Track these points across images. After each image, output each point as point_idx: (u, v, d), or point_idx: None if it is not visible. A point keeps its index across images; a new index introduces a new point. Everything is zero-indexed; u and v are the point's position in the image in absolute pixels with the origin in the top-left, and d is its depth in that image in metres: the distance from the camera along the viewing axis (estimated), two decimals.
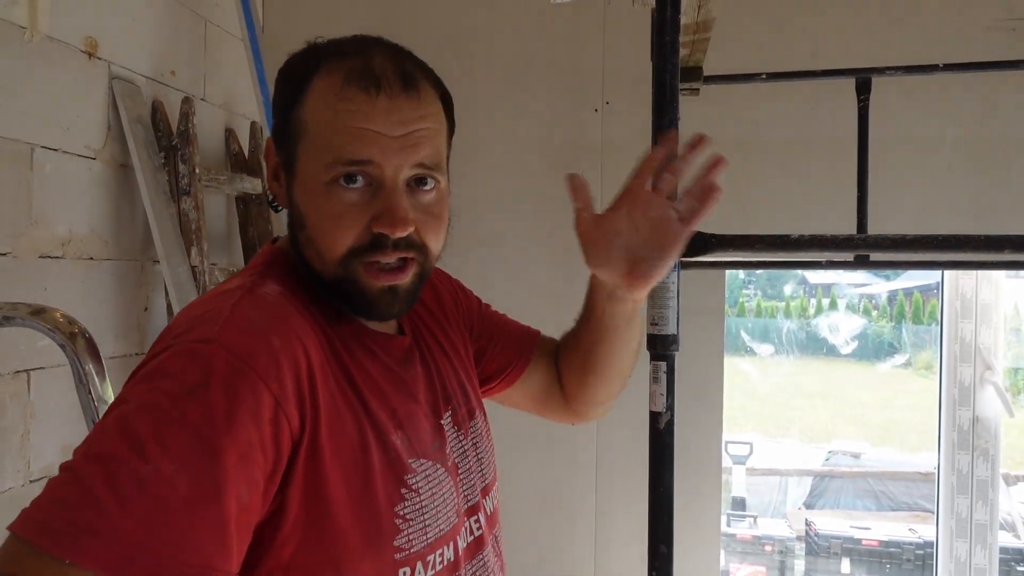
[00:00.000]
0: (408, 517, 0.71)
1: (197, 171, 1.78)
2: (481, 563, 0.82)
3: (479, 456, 0.87)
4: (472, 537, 0.81)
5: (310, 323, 0.71)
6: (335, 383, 0.70)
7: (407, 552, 0.70)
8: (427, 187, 0.74)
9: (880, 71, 1.64)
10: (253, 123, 2.15)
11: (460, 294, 1.02)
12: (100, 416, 0.93)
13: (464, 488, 0.81)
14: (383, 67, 0.72)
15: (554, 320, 2.28)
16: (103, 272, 1.64)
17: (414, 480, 0.73)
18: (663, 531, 0.79)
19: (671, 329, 0.80)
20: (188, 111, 1.78)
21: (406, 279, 0.74)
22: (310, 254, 0.73)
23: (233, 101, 2.13)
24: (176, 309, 1.69)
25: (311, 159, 0.71)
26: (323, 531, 0.66)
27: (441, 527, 0.75)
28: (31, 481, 1.43)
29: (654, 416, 0.80)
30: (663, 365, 0.80)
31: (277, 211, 0.79)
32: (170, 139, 1.78)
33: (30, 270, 1.44)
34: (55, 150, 1.50)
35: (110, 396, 0.91)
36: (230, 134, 2.10)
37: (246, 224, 2.11)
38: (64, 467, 0.56)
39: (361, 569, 0.68)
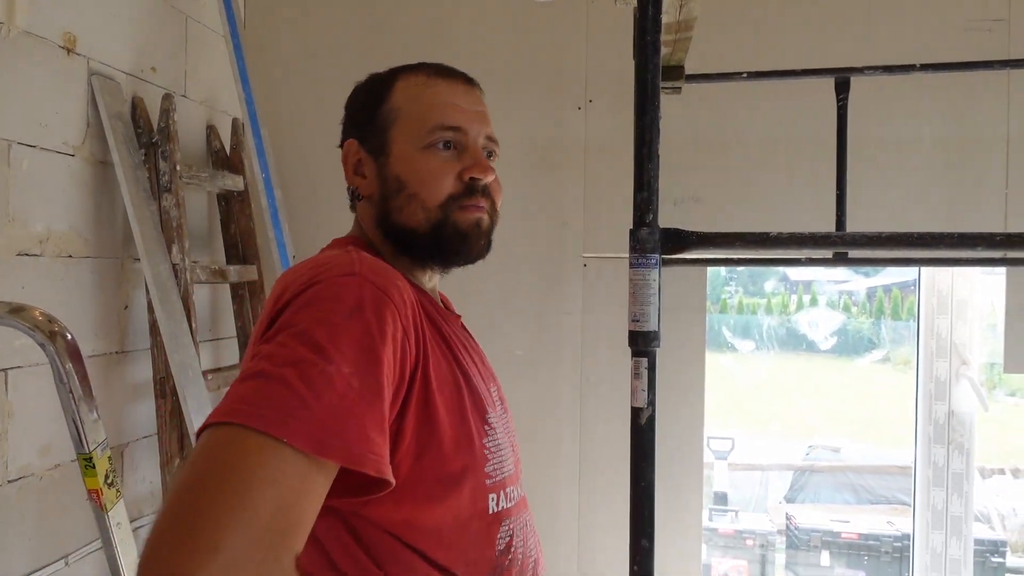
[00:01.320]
0: (492, 449, 0.84)
1: (178, 168, 1.77)
2: (529, 515, 0.93)
3: (510, 438, 0.96)
4: (522, 492, 0.92)
5: (408, 283, 0.82)
6: (431, 332, 0.82)
7: (494, 479, 0.83)
8: (491, 159, 0.93)
9: (859, 71, 1.66)
10: (235, 120, 2.14)
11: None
12: (80, 415, 0.93)
13: (509, 449, 0.92)
14: (452, 70, 0.93)
15: (535, 317, 2.30)
16: (82, 270, 1.62)
17: (492, 419, 0.86)
18: (644, 525, 0.80)
19: (652, 326, 0.81)
20: (168, 107, 1.77)
21: (485, 216, 0.91)
22: (408, 212, 0.88)
23: (215, 98, 2.12)
24: (157, 307, 1.68)
25: (408, 133, 0.88)
26: (432, 454, 0.76)
27: (508, 467, 0.87)
28: (9, 481, 1.42)
29: (635, 412, 0.80)
30: (644, 361, 0.80)
31: (358, 199, 0.95)
32: (150, 136, 1.76)
33: (7, 268, 1.43)
34: (33, 147, 1.48)
35: (91, 395, 0.90)
36: (212, 131, 2.08)
37: (228, 221, 2.10)
38: (250, 374, 0.65)
39: (463, 488, 0.79)
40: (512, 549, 0.85)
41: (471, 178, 0.88)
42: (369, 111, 0.92)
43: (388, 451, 0.69)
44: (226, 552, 0.56)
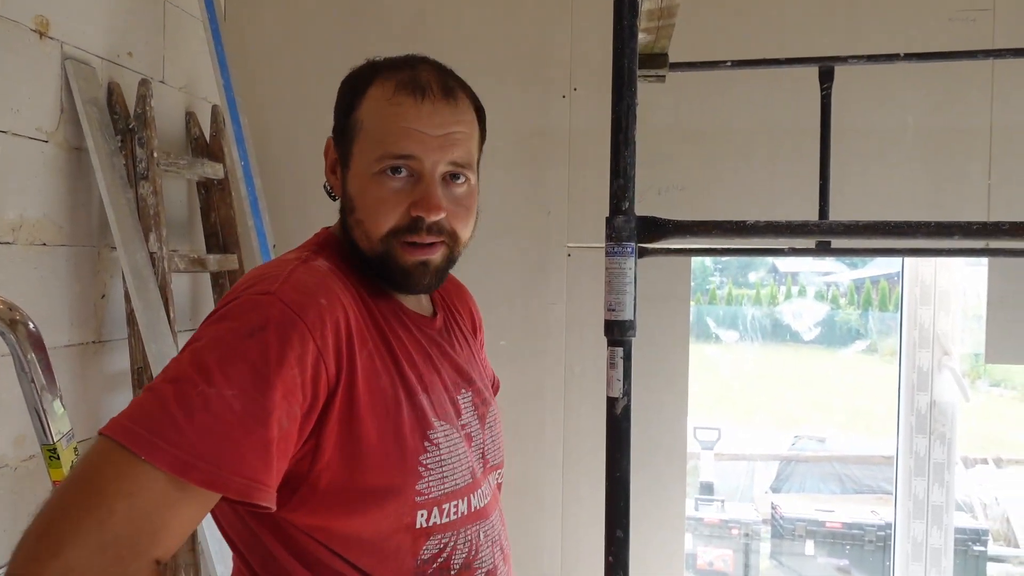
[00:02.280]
0: (430, 467, 0.83)
1: (155, 155, 1.74)
2: (490, 525, 0.92)
3: (493, 437, 0.98)
4: (485, 501, 0.92)
5: (353, 294, 0.83)
6: (373, 345, 0.82)
7: (426, 496, 0.82)
8: (459, 181, 0.88)
9: (843, 60, 1.65)
10: (214, 107, 2.11)
11: (480, 323, 1.17)
12: (44, 405, 0.91)
13: (475, 455, 0.92)
14: (428, 79, 0.87)
15: (520, 307, 2.29)
16: (57, 258, 1.60)
17: (435, 436, 0.84)
18: (619, 516, 0.79)
19: (628, 315, 0.80)
20: (145, 93, 1.74)
21: (436, 256, 0.87)
22: (357, 234, 0.87)
23: (194, 84, 2.08)
24: (134, 296, 1.66)
25: (364, 153, 0.86)
26: (355, 469, 0.77)
27: (457, 482, 0.86)
28: None
29: (611, 401, 0.79)
30: (620, 351, 0.79)
31: (334, 199, 0.95)
32: (127, 122, 1.73)
33: None
34: (4, 132, 1.46)
35: (55, 385, 0.89)
36: (191, 118, 2.05)
37: (208, 210, 2.07)
38: (146, 388, 0.69)
39: (386, 505, 0.79)
40: (447, 560, 0.85)
41: (417, 216, 0.85)
42: (343, 115, 0.90)
43: (271, 472, 0.70)
44: (66, 557, 0.61)
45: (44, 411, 0.89)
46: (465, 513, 0.87)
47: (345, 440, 0.76)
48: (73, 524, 0.62)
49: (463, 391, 0.94)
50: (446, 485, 0.85)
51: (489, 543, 0.91)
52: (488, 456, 0.96)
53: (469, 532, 0.88)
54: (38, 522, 0.64)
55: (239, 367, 0.69)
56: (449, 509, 0.85)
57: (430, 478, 0.83)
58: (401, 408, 0.82)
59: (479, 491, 0.90)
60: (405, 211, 0.85)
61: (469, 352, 1.02)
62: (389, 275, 0.87)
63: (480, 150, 0.95)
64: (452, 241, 0.89)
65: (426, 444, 0.83)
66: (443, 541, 0.85)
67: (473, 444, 0.93)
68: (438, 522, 0.84)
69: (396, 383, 0.83)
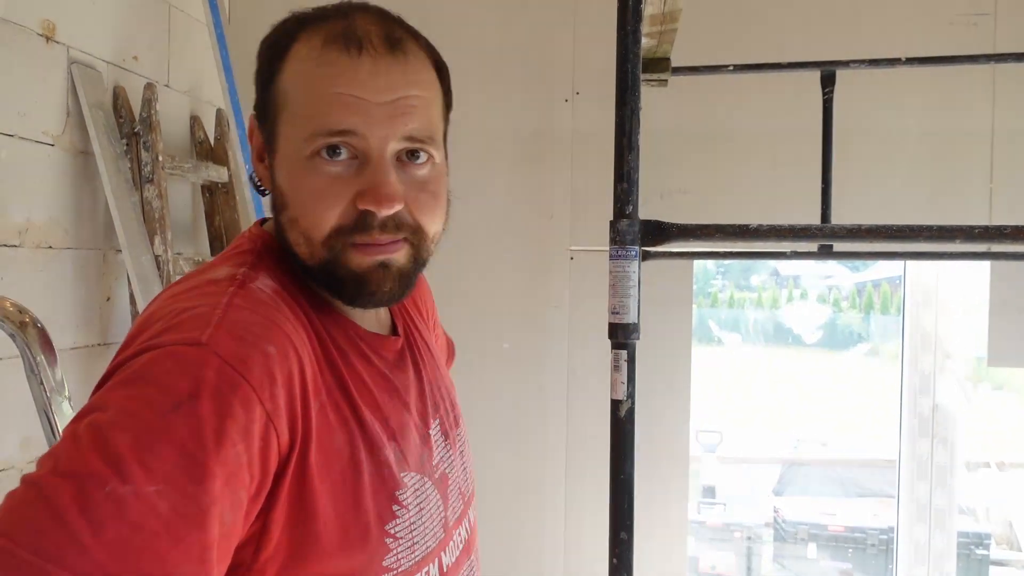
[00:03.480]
0: (398, 535, 0.67)
1: (160, 158, 1.75)
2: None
3: (464, 466, 0.83)
4: (457, 551, 0.77)
5: (304, 326, 0.65)
6: (327, 395, 0.64)
7: (395, 572, 0.66)
8: (419, 161, 0.68)
9: (844, 64, 1.66)
10: (219, 110, 2.12)
11: (432, 303, 0.97)
12: (53, 407, 0.92)
13: (452, 500, 0.77)
14: (366, 29, 0.66)
15: (522, 310, 2.30)
16: (63, 261, 1.61)
17: (404, 496, 0.69)
18: (623, 518, 0.80)
19: (632, 318, 0.80)
20: (151, 97, 1.75)
21: (399, 254, 0.68)
22: (293, 237, 0.67)
23: (198, 88, 2.10)
24: (139, 299, 1.66)
25: (291, 133, 0.66)
26: (308, 555, 0.61)
27: (428, 544, 0.71)
28: None
29: (615, 404, 0.80)
30: (624, 354, 0.80)
31: (264, 195, 0.73)
32: (132, 126, 1.74)
33: None
34: (11, 136, 1.47)
35: (63, 387, 0.90)
36: (195, 121, 2.06)
37: (212, 213, 2.08)
38: (28, 481, 0.49)
39: None
40: None
41: (364, 210, 0.65)
42: (263, 84, 0.70)
43: None
44: None
45: (53, 413, 0.89)
46: (442, 572, 0.73)
47: (296, 520, 0.60)
48: None
49: (432, 422, 0.78)
50: (416, 552, 0.69)
51: None
52: (463, 489, 0.81)
53: None
54: None
55: (163, 453, 0.50)
56: (428, 572, 0.70)
57: (399, 549, 0.67)
58: (361, 471, 0.65)
59: (450, 546, 0.75)
60: (350, 204, 0.65)
61: (432, 361, 0.84)
62: (339, 287, 0.68)
63: (447, 119, 0.75)
64: (417, 238, 0.69)
65: (394, 508, 0.67)
66: None
67: (450, 484, 0.77)
68: None
69: (356, 439, 0.65)
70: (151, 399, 0.52)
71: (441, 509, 0.74)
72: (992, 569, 3.64)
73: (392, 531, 0.66)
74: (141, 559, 0.48)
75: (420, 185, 0.68)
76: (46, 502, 0.48)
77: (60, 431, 0.90)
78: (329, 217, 0.65)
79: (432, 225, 0.70)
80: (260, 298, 0.63)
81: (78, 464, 0.49)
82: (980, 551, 3.54)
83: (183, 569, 0.50)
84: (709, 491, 4.46)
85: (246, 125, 0.75)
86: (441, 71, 0.73)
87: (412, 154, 0.67)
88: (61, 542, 0.46)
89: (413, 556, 0.68)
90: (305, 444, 0.60)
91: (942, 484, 2.28)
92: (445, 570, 0.73)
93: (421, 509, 0.70)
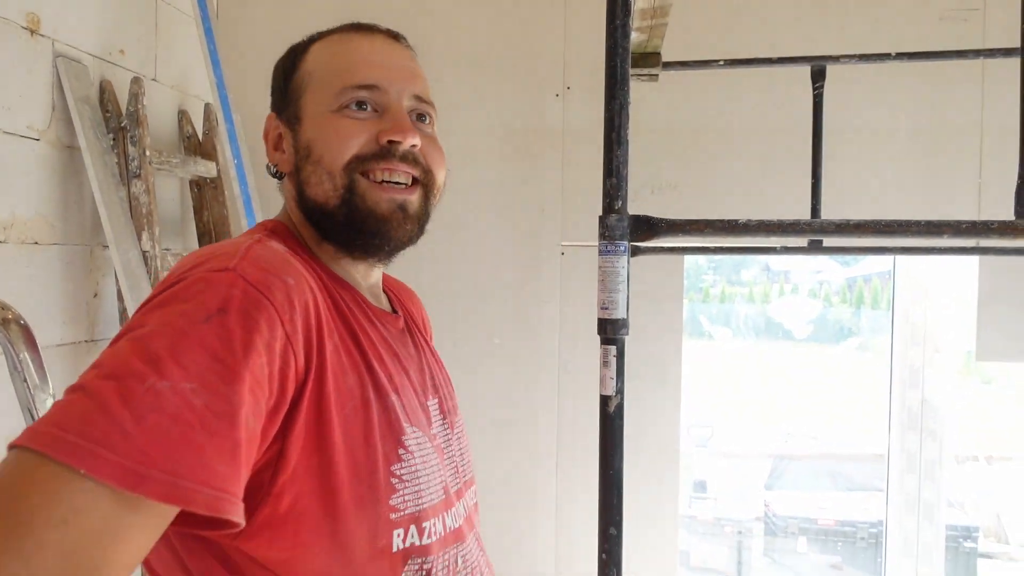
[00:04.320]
0: (404, 478, 0.71)
1: (148, 153, 1.74)
2: (467, 550, 0.80)
3: (461, 451, 0.87)
4: (461, 520, 0.80)
5: (316, 278, 0.71)
6: (339, 337, 0.70)
7: (401, 513, 0.70)
8: (426, 123, 0.80)
9: (835, 59, 1.66)
10: (207, 105, 2.10)
11: (430, 329, 1.04)
12: (37, 404, 0.91)
13: (450, 472, 0.81)
14: (373, 26, 0.83)
15: (513, 306, 2.29)
16: (50, 257, 1.59)
17: (409, 442, 0.73)
18: (613, 513, 0.79)
19: (621, 313, 0.80)
20: (138, 91, 1.74)
21: (414, 197, 0.77)
22: (317, 178, 0.75)
23: (187, 82, 2.08)
24: (127, 295, 1.65)
25: (319, 96, 0.77)
26: (321, 483, 0.64)
27: (432, 498, 0.74)
28: None
29: (604, 400, 0.80)
30: (613, 349, 0.80)
31: (280, 178, 0.82)
32: (119, 120, 1.73)
33: None
34: None
35: (47, 384, 0.89)
36: (183, 116, 2.05)
37: (201, 208, 2.07)
38: (72, 388, 0.54)
39: (357, 526, 0.66)
40: None
41: (388, 141, 0.74)
42: (283, 82, 0.82)
43: (240, 482, 0.56)
44: None
45: (37, 410, 0.88)
46: (443, 534, 0.75)
47: (313, 447, 0.64)
48: None
49: (431, 397, 0.84)
50: (423, 500, 0.72)
51: (474, 567, 0.80)
52: (461, 470, 0.85)
53: (447, 556, 0.75)
54: None
55: (197, 355, 0.55)
56: (429, 528, 0.72)
57: (404, 491, 0.70)
58: (371, 409, 0.69)
59: (453, 510, 0.78)
60: (372, 139, 0.74)
61: (432, 356, 0.90)
62: (360, 224, 0.74)
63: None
64: (428, 180, 0.78)
65: (400, 452, 0.71)
66: (430, 565, 0.72)
67: (445, 456, 0.81)
68: (416, 543, 0.70)
69: (365, 381, 0.70)
70: (185, 312, 0.58)
71: (441, 472, 0.77)
72: (980, 562, 3.68)
73: (398, 472, 0.70)
74: (178, 447, 0.52)
75: (429, 140, 0.79)
76: (91, 397, 0.52)
77: None
78: (351, 146, 0.74)
79: (439, 173, 0.80)
80: (276, 249, 0.69)
81: (120, 366, 0.54)
82: (968, 544, 3.57)
83: (215, 461, 0.54)
84: (700, 485, 4.47)
85: (263, 128, 0.85)
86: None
87: (420, 116, 0.80)
88: (106, 429, 0.51)
89: (419, 503, 0.72)
90: (320, 372, 0.65)
91: (931, 478, 2.30)
92: (448, 531, 0.76)
93: (425, 461, 0.74)
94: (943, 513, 2.32)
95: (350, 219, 0.74)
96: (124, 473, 0.50)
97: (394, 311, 0.87)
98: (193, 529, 0.57)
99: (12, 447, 0.52)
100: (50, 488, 0.49)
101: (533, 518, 2.20)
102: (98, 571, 0.50)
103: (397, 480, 0.70)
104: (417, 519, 0.71)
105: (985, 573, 3.66)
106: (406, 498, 0.70)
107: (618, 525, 0.81)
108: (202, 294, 0.59)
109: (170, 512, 0.54)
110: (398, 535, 0.69)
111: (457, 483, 0.82)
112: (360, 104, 0.76)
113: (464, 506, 0.82)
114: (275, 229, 0.79)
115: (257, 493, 0.62)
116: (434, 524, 0.73)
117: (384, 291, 0.90)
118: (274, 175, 0.83)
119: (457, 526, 0.78)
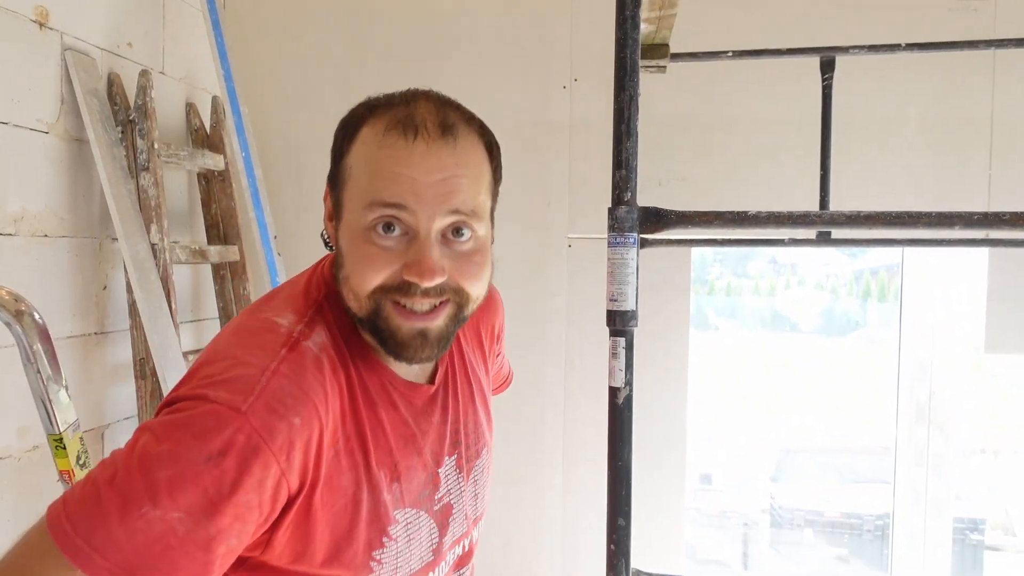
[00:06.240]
0: (383, 561, 0.81)
1: (156, 146, 1.74)
2: None
3: (476, 492, 0.95)
4: (447, 568, 0.90)
5: (340, 382, 0.77)
6: (344, 443, 0.77)
7: None
8: (463, 238, 0.78)
9: (844, 50, 1.65)
10: (215, 97, 2.10)
11: (502, 330, 1.09)
12: (50, 395, 0.92)
13: (454, 526, 0.90)
14: (424, 116, 0.76)
15: (520, 298, 2.29)
16: (59, 250, 1.60)
17: (395, 530, 0.82)
18: (621, 505, 0.80)
19: (630, 305, 0.80)
20: (145, 84, 1.74)
21: (438, 321, 0.78)
22: (345, 292, 0.78)
23: (194, 75, 2.08)
24: (136, 288, 1.66)
25: (353, 203, 0.77)
26: (303, 560, 0.76)
27: (412, 566, 0.84)
28: None
29: (613, 391, 0.80)
30: (622, 341, 0.80)
31: (331, 250, 0.84)
32: (127, 113, 1.73)
33: None
34: (5, 123, 1.46)
35: (60, 375, 0.89)
36: (191, 108, 2.05)
37: (209, 201, 2.07)
38: (100, 477, 0.66)
39: None
40: None
41: (409, 280, 0.75)
42: (336, 158, 0.82)
43: None
44: None
45: (50, 401, 0.89)
46: None
47: (297, 538, 0.75)
48: None
49: (446, 459, 0.89)
50: (399, 574, 0.83)
51: None
52: (469, 514, 0.93)
53: None
54: None
55: (189, 492, 0.66)
56: None
57: (381, 571, 0.81)
58: (360, 507, 0.78)
59: (440, 565, 0.89)
60: (397, 271, 0.76)
61: (469, 397, 0.95)
62: (382, 341, 0.78)
63: (494, 194, 0.85)
64: (459, 297, 0.79)
65: (383, 539, 0.81)
66: None
67: (454, 512, 0.90)
68: None
69: (360, 481, 0.78)
70: (191, 447, 0.67)
71: (436, 536, 0.87)
72: (987, 554, 3.67)
73: (378, 557, 0.80)
74: (158, 561, 0.65)
75: (463, 257, 0.78)
76: (101, 506, 0.65)
77: (57, 419, 0.90)
78: (375, 278, 0.76)
79: (475, 288, 0.80)
80: (304, 363, 0.75)
81: (127, 485, 0.66)
82: (975, 537, 3.56)
83: (186, 574, 0.66)
84: (706, 477, 4.47)
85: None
86: (491, 150, 0.84)
87: (457, 232, 0.77)
88: (103, 536, 0.64)
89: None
90: (313, 486, 0.74)
91: (938, 471, 2.29)
92: None
93: (410, 540, 0.84)
94: (950, 506, 2.31)
95: (375, 335, 0.79)
96: None
97: (435, 374, 0.90)
98: None
99: (45, 520, 0.66)
100: (56, 573, 0.64)
101: (540, 509, 2.20)
102: None
103: (376, 563, 0.80)
104: None
105: (992, 566, 3.66)
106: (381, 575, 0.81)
107: (627, 516, 0.81)
108: (211, 433, 0.68)
109: None
110: None
111: (463, 528, 0.91)
112: (388, 226, 0.75)
113: (463, 546, 0.93)
114: (328, 296, 0.82)
115: (249, 560, 0.76)
116: None
117: None
118: (326, 243, 0.86)
119: (449, 568, 0.90)
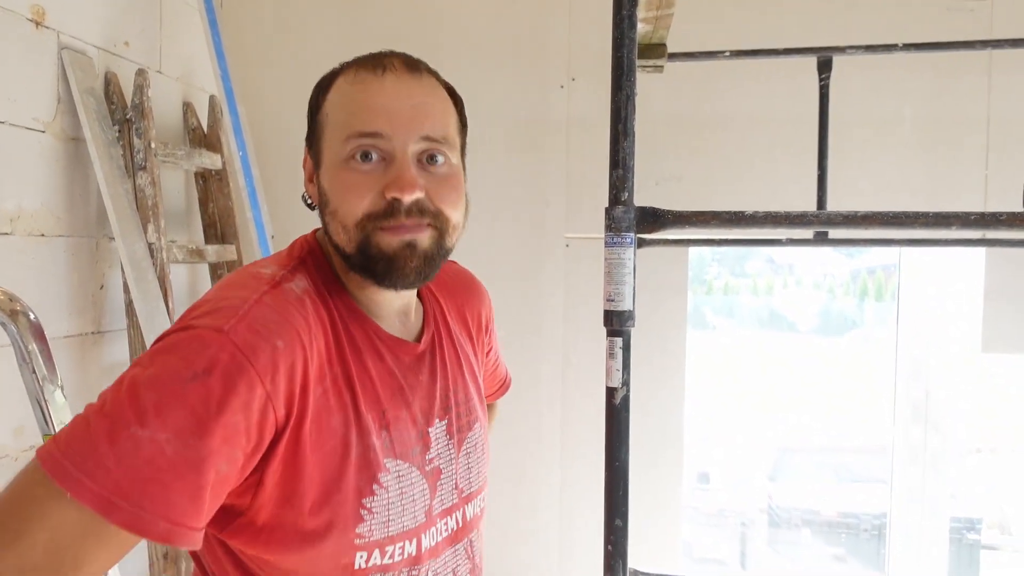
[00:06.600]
0: (374, 510, 0.79)
1: (153, 145, 1.74)
2: (441, 563, 0.88)
3: (469, 465, 0.93)
4: (440, 537, 0.87)
5: (324, 325, 0.78)
6: (331, 383, 0.78)
7: (366, 539, 0.79)
8: (438, 163, 0.81)
9: (841, 50, 1.66)
10: (212, 97, 2.10)
11: (490, 323, 1.09)
12: (45, 395, 0.91)
13: (442, 492, 0.88)
14: (391, 59, 0.82)
15: (517, 297, 2.29)
16: (56, 249, 1.60)
17: (386, 479, 0.80)
18: (619, 505, 0.80)
19: (627, 305, 0.80)
20: (143, 83, 1.74)
21: (423, 236, 0.80)
22: (334, 227, 0.80)
23: (191, 74, 2.08)
24: (133, 287, 1.66)
25: (332, 143, 0.80)
26: (293, 507, 0.75)
27: (405, 523, 0.82)
28: None
29: (610, 392, 0.80)
30: (619, 341, 0.80)
31: (313, 209, 0.88)
32: (124, 112, 1.73)
33: None
34: (1, 122, 1.45)
35: (56, 375, 0.89)
36: (188, 108, 2.05)
37: (206, 200, 2.07)
38: (88, 410, 0.67)
39: (323, 545, 0.77)
40: None
41: (392, 197, 0.78)
42: (312, 117, 0.86)
43: (201, 516, 0.68)
44: None
45: (46, 401, 0.89)
46: (412, 554, 0.83)
47: (287, 478, 0.74)
48: None
49: (436, 421, 0.89)
50: (391, 528, 0.81)
51: None
52: (462, 485, 0.91)
53: (413, 572, 0.84)
54: None
55: (176, 411, 0.66)
56: (393, 551, 0.81)
57: (372, 521, 0.79)
58: (349, 450, 0.78)
59: (433, 529, 0.86)
60: (379, 195, 0.78)
61: (458, 370, 0.95)
62: (372, 266, 0.80)
63: (462, 138, 0.87)
64: (439, 222, 0.81)
65: (374, 487, 0.79)
66: None
67: (443, 477, 0.88)
68: (378, 563, 0.80)
69: (349, 423, 0.78)
70: (176, 369, 0.68)
71: (427, 497, 0.85)
72: (983, 553, 3.68)
73: (368, 505, 0.79)
74: (146, 485, 0.65)
75: (440, 180, 0.81)
76: (90, 433, 0.65)
77: (53, 419, 0.90)
78: (361, 205, 0.78)
79: (453, 213, 0.82)
80: (286, 298, 0.77)
81: (115, 409, 0.66)
82: (971, 535, 3.57)
83: (179, 500, 0.66)
84: (703, 476, 4.48)
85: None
86: (456, 101, 0.87)
87: (431, 158, 0.80)
88: (93, 461, 0.64)
89: (387, 531, 0.81)
90: (300, 419, 0.74)
91: (934, 470, 2.30)
92: (423, 550, 0.85)
93: (402, 493, 0.82)
94: (946, 505, 2.32)
95: (364, 262, 0.80)
96: (99, 501, 0.64)
97: (421, 334, 0.91)
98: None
99: (36, 455, 0.66)
100: (46, 501, 0.64)
101: (536, 509, 2.20)
102: (78, 567, 0.65)
103: (366, 512, 0.79)
104: (382, 544, 0.80)
105: (988, 565, 3.67)
106: (373, 527, 0.79)
107: (624, 517, 0.81)
108: (195, 354, 0.68)
109: (135, 535, 0.66)
110: (361, 556, 0.79)
111: (452, 499, 0.89)
112: (365, 155, 0.79)
113: (456, 520, 0.91)
114: (311, 252, 0.85)
115: (238, 508, 0.75)
116: (402, 547, 0.82)
117: (425, 300, 0.95)
118: (308, 206, 0.88)
119: (434, 544, 0.86)
